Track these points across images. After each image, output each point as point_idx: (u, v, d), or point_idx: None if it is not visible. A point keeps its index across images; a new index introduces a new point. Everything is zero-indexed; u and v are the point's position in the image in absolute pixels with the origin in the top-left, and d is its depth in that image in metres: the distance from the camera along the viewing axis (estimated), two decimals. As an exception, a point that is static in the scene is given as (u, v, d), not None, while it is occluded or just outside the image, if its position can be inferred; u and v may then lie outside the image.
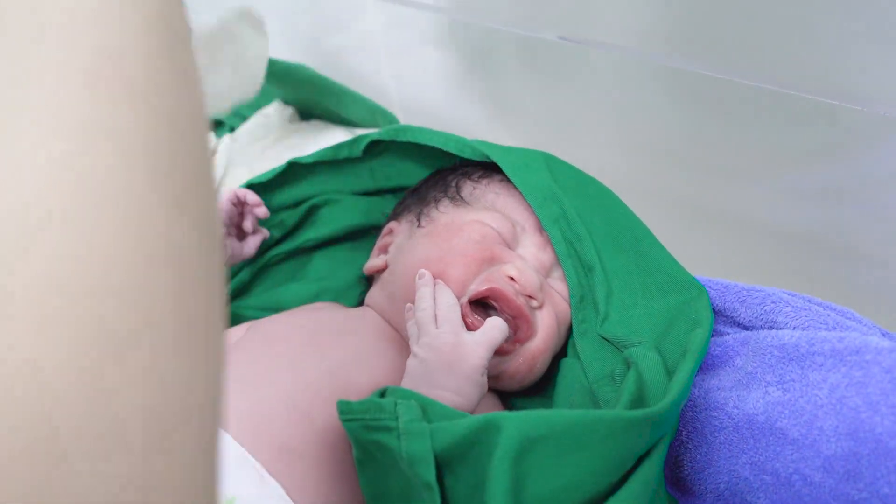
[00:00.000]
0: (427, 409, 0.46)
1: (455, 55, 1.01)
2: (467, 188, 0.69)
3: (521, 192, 0.65)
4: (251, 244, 0.71)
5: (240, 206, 0.69)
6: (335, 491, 0.50)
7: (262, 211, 0.69)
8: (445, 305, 0.56)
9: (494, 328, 0.56)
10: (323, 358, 0.57)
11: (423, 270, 0.60)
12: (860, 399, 0.44)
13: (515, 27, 0.87)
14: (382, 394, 0.49)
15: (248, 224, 0.70)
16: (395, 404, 0.46)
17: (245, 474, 0.48)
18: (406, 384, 0.53)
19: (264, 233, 0.73)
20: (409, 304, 0.59)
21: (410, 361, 0.55)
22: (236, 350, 0.60)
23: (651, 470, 0.46)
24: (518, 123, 1.01)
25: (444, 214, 0.66)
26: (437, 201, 0.68)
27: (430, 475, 0.43)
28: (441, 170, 0.75)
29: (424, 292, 0.58)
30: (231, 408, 0.52)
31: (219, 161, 1.04)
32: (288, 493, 0.48)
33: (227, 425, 0.51)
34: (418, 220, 0.68)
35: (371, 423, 0.45)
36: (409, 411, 0.45)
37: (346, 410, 0.47)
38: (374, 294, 0.67)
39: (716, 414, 0.53)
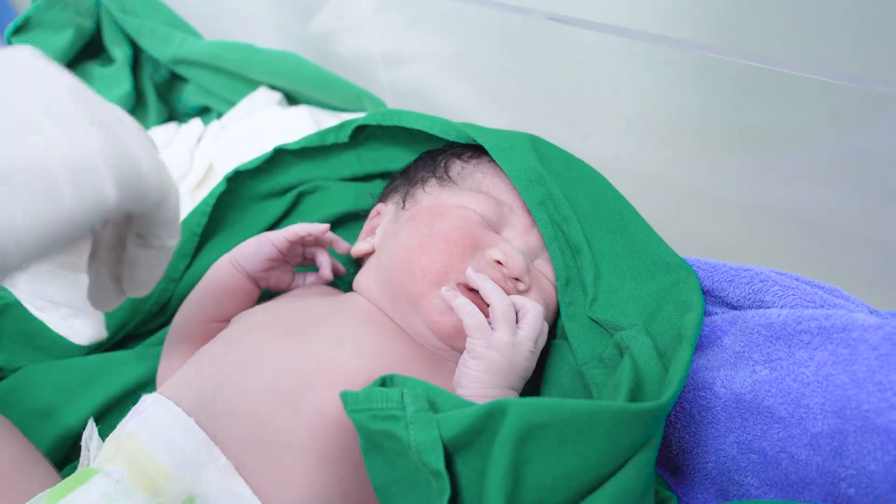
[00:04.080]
0: (434, 398, 0.46)
1: (445, 37, 1.00)
2: (456, 168, 0.68)
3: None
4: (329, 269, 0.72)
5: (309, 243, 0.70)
6: (320, 478, 0.50)
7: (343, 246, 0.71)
8: (535, 308, 0.57)
9: (545, 329, 0.59)
10: (307, 342, 0.56)
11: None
12: (847, 376, 0.44)
13: (504, 8, 0.86)
14: (383, 382, 0.48)
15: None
16: (402, 394, 0.45)
17: (209, 472, 0.48)
18: (484, 378, 0.53)
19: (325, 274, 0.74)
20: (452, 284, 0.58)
21: (492, 355, 0.54)
22: (218, 343, 0.60)
23: (647, 455, 0.46)
24: (508, 105, 1.00)
25: (429, 196, 0.66)
26: (423, 181, 0.68)
27: (439, 463, 0.43)
28: (431, 151, 0.74)
29: (493, 286, 0.57)
30: (215, 403, 0.52)
31: (206, 147, 1.03)
32: (258, 491, 0.48)
33: (205, 421, 0.50)
34: (403, 201, 0.67)
35: (378, 413, 0.45)
36: (415, 401, 0.45)
37: (350, 401, 0.47)
38: (361, 278, 0.67)
39: (703, 394, 0.53)
